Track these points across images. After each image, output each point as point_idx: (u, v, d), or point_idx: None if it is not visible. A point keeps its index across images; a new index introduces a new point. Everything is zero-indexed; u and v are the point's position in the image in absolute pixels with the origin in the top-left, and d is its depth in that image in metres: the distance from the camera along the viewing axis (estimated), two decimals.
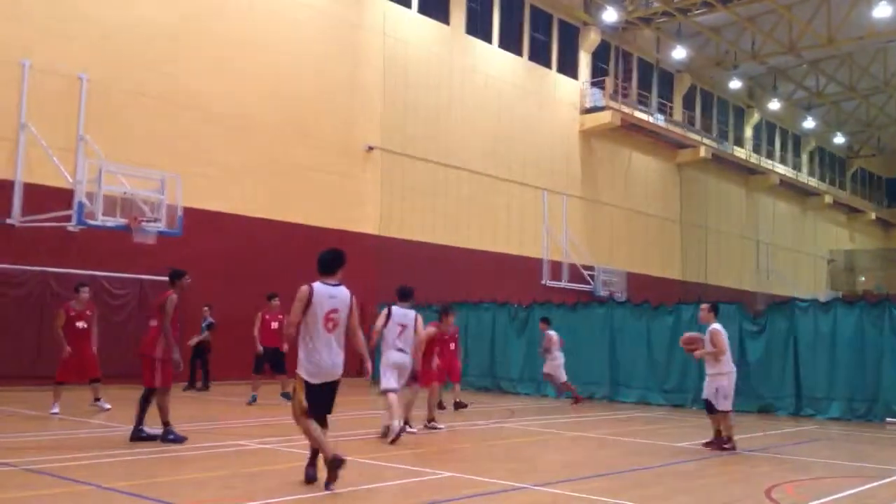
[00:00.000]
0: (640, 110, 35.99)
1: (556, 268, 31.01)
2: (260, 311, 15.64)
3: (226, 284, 20.06)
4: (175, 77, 20.05)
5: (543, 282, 30.26)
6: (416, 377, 11.73)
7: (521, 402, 17.81)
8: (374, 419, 13.68)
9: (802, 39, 36.44)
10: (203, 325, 17.93)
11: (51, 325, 13.28)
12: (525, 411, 15.87)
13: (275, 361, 15.30)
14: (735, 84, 41.64)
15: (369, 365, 7.94)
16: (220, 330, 18.24)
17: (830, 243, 51.94)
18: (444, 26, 27.84)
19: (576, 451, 10.64)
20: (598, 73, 34.32)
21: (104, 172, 16.16)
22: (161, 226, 16.64)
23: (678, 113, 39.28)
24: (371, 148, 24.83)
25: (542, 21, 31.99)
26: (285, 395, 14.60)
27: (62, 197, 16.73)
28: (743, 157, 43.66)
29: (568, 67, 33.09)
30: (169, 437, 9.89)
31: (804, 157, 50.63)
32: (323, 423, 7.47)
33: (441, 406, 14.20)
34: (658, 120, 36.82)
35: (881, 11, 32.35)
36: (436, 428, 12.09)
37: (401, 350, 11.05)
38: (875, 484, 8.57)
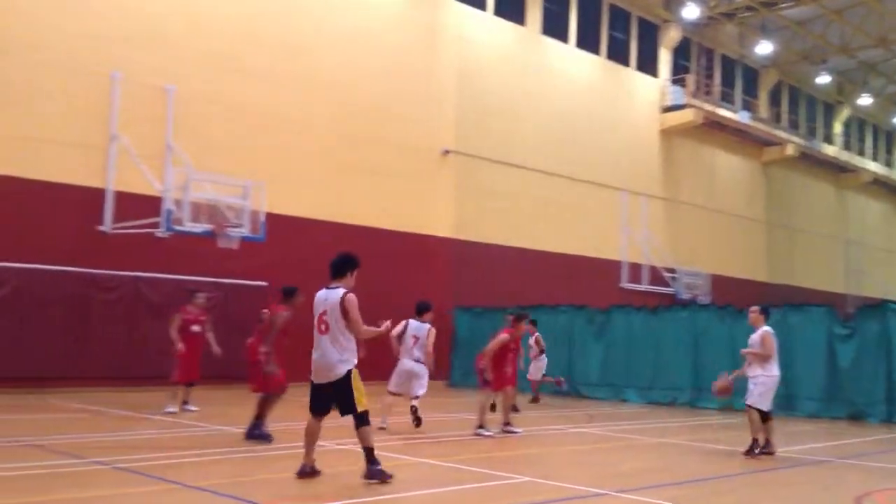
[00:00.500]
0: (724, 108, 35.10)
1: (635, 270, 30.49)
2: None
3: (305, 288, 20.39)
4: (256, 86, 20.55)
5: (622, 284, 29.79)
6: (487, 382, 11.83)
7: (599, 407, 17.58)
8: (455, 421, 13.71)
9: (894, 32, 34.92)
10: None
11: (168, 327, 13.91)
12: (604, 416, 15.64)
13: None
14: (823, 79, 40.19)
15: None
16: (298, 333, 18.53)
17: None
18: (519, 27, 27.75)
19: (657, 457, 10.43)
20: (678, 71, 33.65)
21: (190, 180, 16.68)
22: (244, 231, 17.05)
23: (764, 110, 38.16)
24: (447, 151, 24.91)
25: (620, 19, 31.56)
26: None
27: (151, 204, 17.32)
28: (832, 154, 42.12)
29: (647, 65, 32.55)
30: (255, 431, 10.23)
31: None
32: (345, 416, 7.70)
33: (516, 409, 14.12)
34: (742, 117, 35.82)
35: None
36: (512, 431, 12.03)
37: (416, 360, 12.23)
38: None
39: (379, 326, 7.99)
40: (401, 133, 23.68)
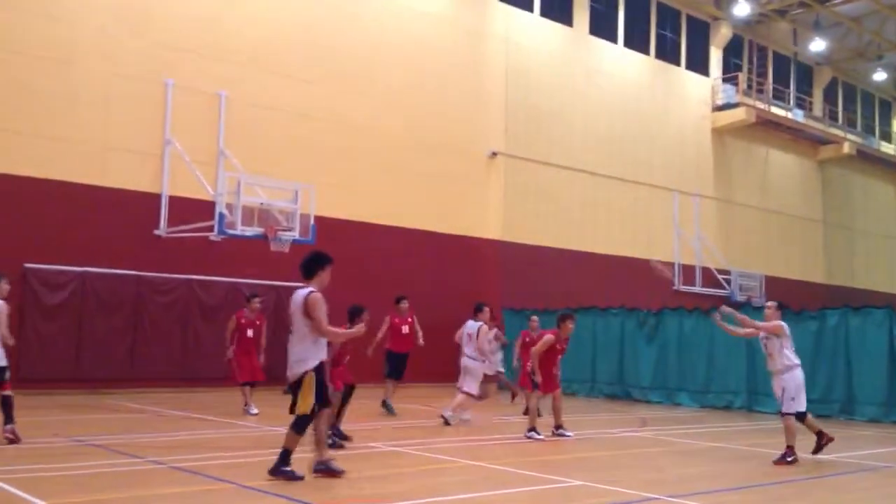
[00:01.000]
0: (777, 106, 34.41)
1: (688, 272, 30.03)
2: (388, 315, 15.31)
3: (354, 291, 20.52)
4: (306, 92, 20.77)
5: (675, 287, 29.38)
6: (536, 385, 11.74)
7: (652, 411, 17.34)
8: (507, 424, 13.66)
9: None
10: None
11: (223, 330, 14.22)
12: (657, 420, 15.42)
13: (403, 366, 14.97)
14: (880, 76, 39.17)
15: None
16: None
17: None
18: (567, 28, 27.58)
19: (712, 462, 10.23)
20: (730, 69, 33.10)
21: (243, 184, 16.91)
22: (295, 234, 17.21)
23: (818, 108, 37.33)
24: (494, 154, 24.86)
25: (669, 18, 31.17)
26: (387, 405, 14.40)
27: (204, 208, 17.60)
28: (891, 152, 40.99)
29: (698, 64, 32.09)
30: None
31: None
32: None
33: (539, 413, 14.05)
34: (797, 115, 35.09)
35: None
36: (564, 435, 11.93)
37: (469, 356, 13.43)
38: None
39: (352, 328, 8.05)
40: (449, 136, 23.70)
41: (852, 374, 16.18)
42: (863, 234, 38.98)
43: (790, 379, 9.96)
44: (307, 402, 7.61)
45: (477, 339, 13.48)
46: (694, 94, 31.78)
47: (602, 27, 28.67)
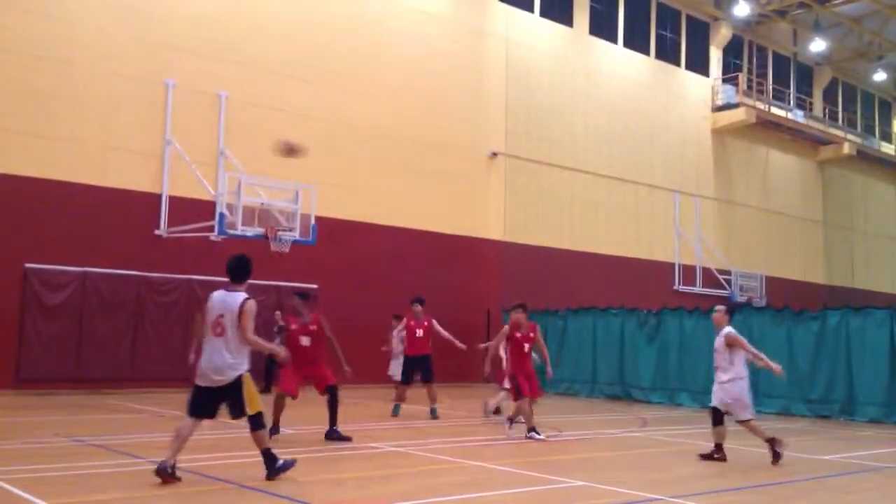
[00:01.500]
0: (777, 106, 34.42)
1: (688, 272, 30.05)
2: (405, 318, 14.88)
3: (354, 291, 20.60)
4: (305, 91, 20.78)
5: (675, 287, 29.39)
6: (520, 391, 11.71)
7: (653, 412, 17.32)
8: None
9: None
10: (274, 329, 17.97)
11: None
12: (658, 421, 15.41)
13: (424, 368, 14.48)
14: (880, 76, 39.20)
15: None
16: (349, 336, 18.64)
17: None
18: (567, 28, 27.59)
19: (714, 462, 10.22)
20: (730, 69, 33.12)
21: (243, 185, 16.91)
22: (296, 235, 17.22)
23: (818, 108, 37.34)
24: (495, 154, 24.87)
25: (669, 18, 31.18)
26: (433, 412, 14.04)
27: (205, 208, 17.60)
28: (891, 152, 40.99)
29: (698, 64, 32.10)
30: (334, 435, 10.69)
31: None
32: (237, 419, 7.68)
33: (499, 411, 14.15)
34: (797, 116, 35.09)
35: None
36: (532, 437, 11.63)
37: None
38: None
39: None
40: (449, 136, 23.71)
41: (853, 375, 16.16)
42: (863, 235, 39.00)
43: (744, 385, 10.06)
44: (255, 398, 7.62)
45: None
46: (694, 95, 31.79)
47: (602, 27, 28.68)
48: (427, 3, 23.72)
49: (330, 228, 19.61)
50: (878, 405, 15.79)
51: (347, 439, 10.59)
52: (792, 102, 35.50)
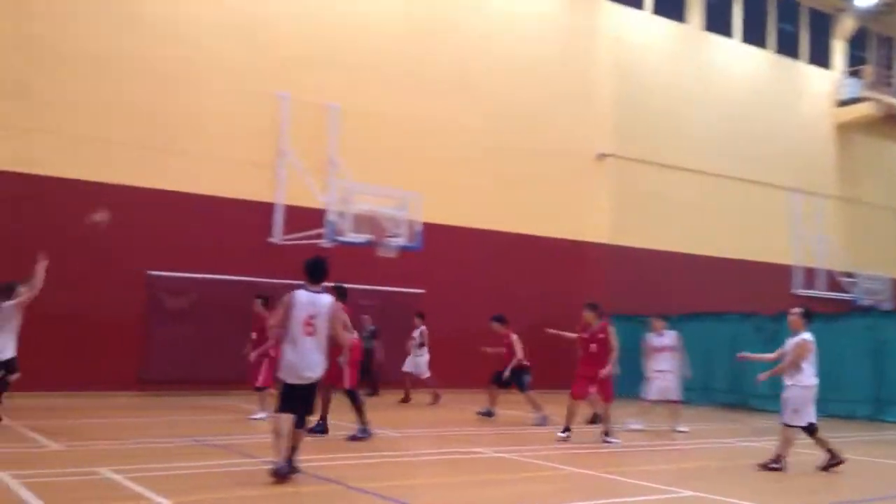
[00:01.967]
0: None
1: (809, 275, 28.73)
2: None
3: (460, 295, 20.74)
4: (413, 100, 21.09)
5: (794, 290, 28.14)
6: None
7: (770, 420, 16.65)
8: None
9: None
10: (364, 334, 18.13)
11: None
12: (775, 430, 14.79)
13: (517, 378, 14.69)
14: None
15: None
16: (451, 341, 18.87)
17: None
18: (679, 24, 26.94)
19: (831, 473, 9.76)
20: (854, 62, 31.52)
21: (352, 192, 17.32)
22: (402, 240, 17.50)
23: None
24: (603, 155, 24.52)
25: (789, 11, 29.98)
26: (538, 420, 14.03)
27: (315, 216, 18.12)
28: None
29: (820, 58, 30.71)
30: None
31: None
32: (300, 424, 7.90)
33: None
34: None
35: None
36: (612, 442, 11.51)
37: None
38: None
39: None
40: (556, 138, 23.55)
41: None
42: None
43: (801, 392, 10.00)
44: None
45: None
46: (816, 90, 30.45)
47: (717, 22, 27.89)
48: (535, 4, 23.66)
49: (435, 233, 19.79)
50: None
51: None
52: None
